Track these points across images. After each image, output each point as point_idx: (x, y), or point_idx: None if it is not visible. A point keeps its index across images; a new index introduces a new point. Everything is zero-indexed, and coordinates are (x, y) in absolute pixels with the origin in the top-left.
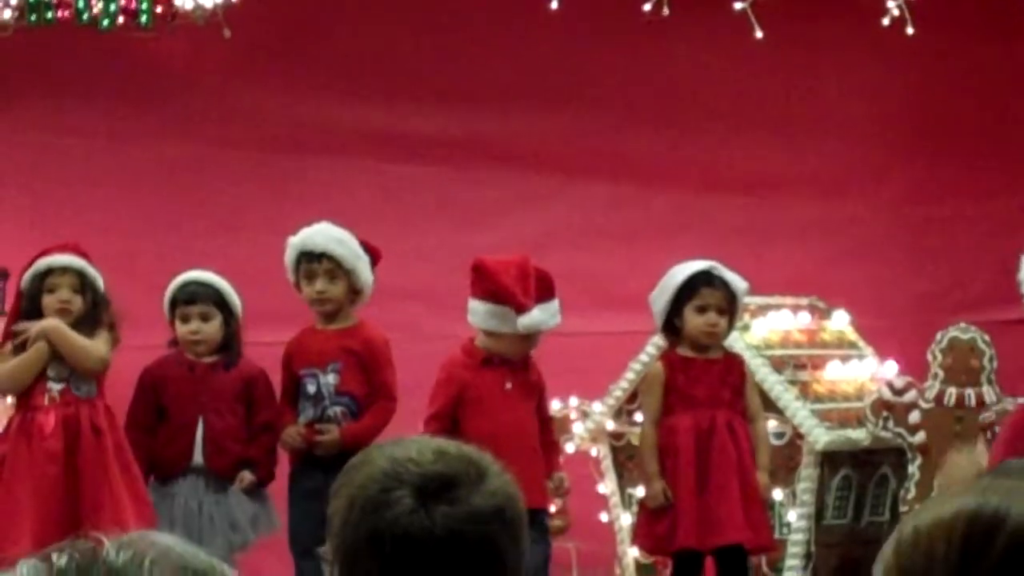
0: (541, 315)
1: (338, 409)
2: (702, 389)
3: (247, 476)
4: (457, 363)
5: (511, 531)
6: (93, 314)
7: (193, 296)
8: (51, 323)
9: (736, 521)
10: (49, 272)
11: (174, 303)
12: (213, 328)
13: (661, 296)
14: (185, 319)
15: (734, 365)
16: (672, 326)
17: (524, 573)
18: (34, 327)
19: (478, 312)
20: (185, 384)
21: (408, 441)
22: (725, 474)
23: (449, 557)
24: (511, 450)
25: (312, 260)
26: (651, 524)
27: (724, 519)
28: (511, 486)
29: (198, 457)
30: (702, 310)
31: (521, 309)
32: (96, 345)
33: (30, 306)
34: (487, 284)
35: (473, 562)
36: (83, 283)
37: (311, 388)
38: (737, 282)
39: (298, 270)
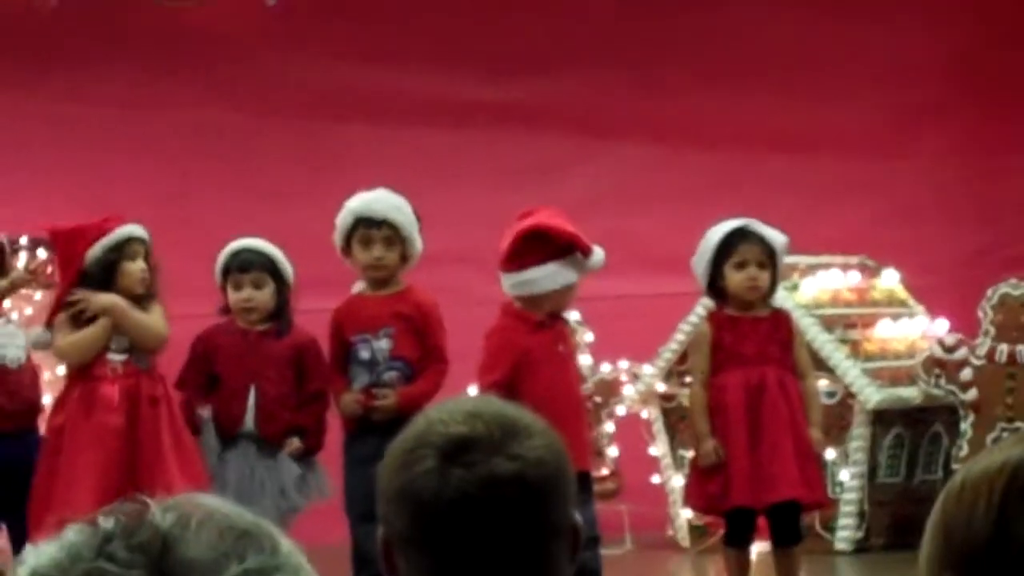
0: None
1: (393, 374)
2: (750, 346)
3: (295, 442)
4: (511, 328)
5: (537, 495)
6: (154, 285)
7: (246, 264)
8: (112, 300)
9: (790, 477)
10: (127, 241)
11: (227, 270)
12: (265, 296)
13: (701, 259)
14: (238, 286)
15: (782, 321)
16: (717, 288)
17: (563, 536)
18: (95, 300)
19: (546, 276)
20: (237, 351)
21: (447, 403)
22: (777, 431)
23: (463, 520)
24: (564, 413)
25: (371, 226)
26: (703, 483)
27: (778, 476)
28: (545, 450)
29: (250, 423)
30: (741, 266)
31: (589, 250)
32: (157, 322)
33: (104, 275)
34: (556, 241)
35: (489, 527)
36: (147, 251)
37: (364, 354)
38: (774, 236)
39: (351, 235)
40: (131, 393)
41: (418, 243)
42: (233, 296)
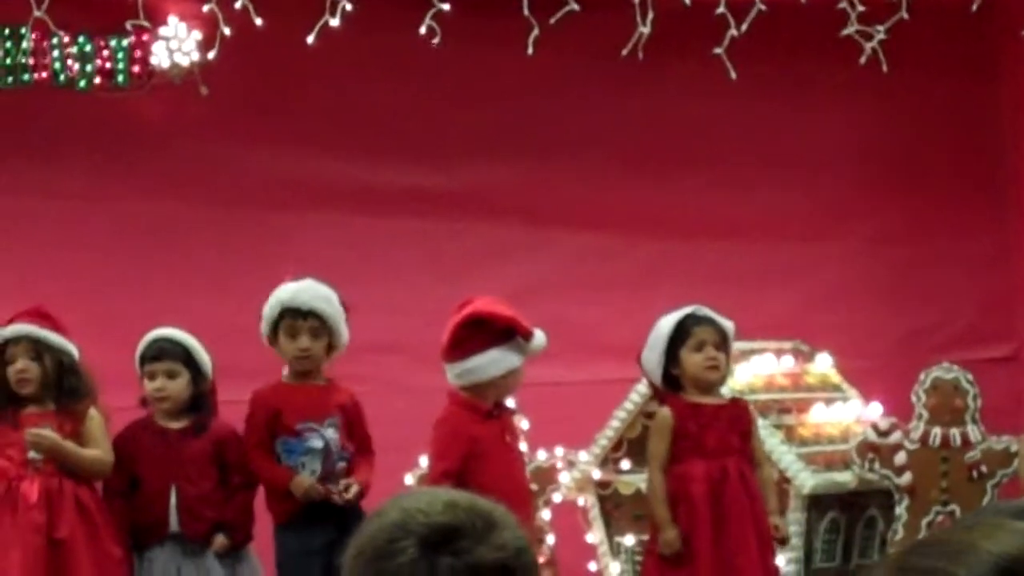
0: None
1: (343, 464)
2: (713, 437)
3: (220, 540)
4: (461, 418)
5: None
6: (64, 384)
7: (159, 353)
8: (52, 443)
9: (754, 572)
10: (6, 343)
11: (143, 360)
12: (179, 386)
13: (653, 349)
14: (151, 376)
15: (742, 411)
16: (670, 378)
17: None
18: (43, 443)
19: (490, 362)
20: (157, 452)
21: (422, 493)
22: (741, 523)
23: None
24: (514, 503)
25: (297, 317)
26: (664, 572)
27: (743, 570)
28: (521, 539)
29: (174, 524)
30: (699, 347)
31: (530, 333)
32: (97, 456)
33: None
34: (495, 327)
35: None
36: (38, 350)
37: (316, 443)
38: (724, 321)
39: (277, 325)
40: (52, 493)
41: (344, 334)
42: (148, 386)
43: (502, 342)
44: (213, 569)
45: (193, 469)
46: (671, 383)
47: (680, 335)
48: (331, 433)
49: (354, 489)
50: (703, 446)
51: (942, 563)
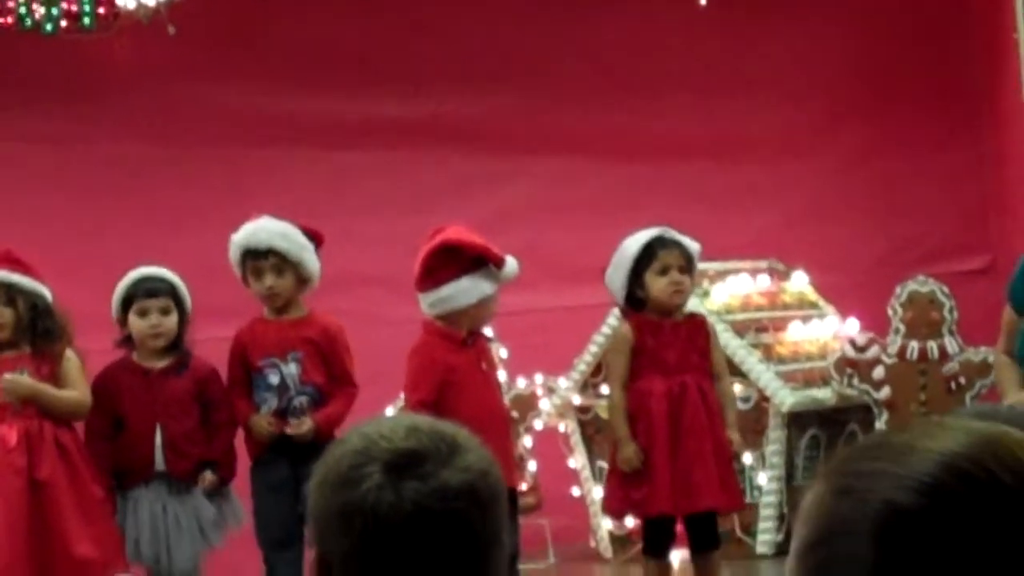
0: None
1: (303, 399)
2: (672, 353)
3: (209, 476)
4: (436, 347)
5: (484, 506)
6: (38, 326)
7: (153, 291)
8: (32, 389)
9: (711, 487)
10: None
11: (129, 299)
12: (172, 322)
13: (618, 271)
14: (143, 313)
15: (699, 326)
16: (634, 299)
17: (502, 551)
18: (19, 388)
19: (462, 291)
20: (140, 392)
21: (383, 419)
22: (699, 439)
23: (418, 533)
24: (490, 429)
25: (258, 257)
26: (624, 488)
27: (699, 485)
28: (486, 462)
29: (159, 463)
30: (664, 271)
31: (501, 260)
32: (74, 398)
33: None
34: (467, 255)
35: (443, 538)
36: (10, 295)
37: (274, 379)
38: (689, 242)
39: (244, 266)
40: (32, 435)
41: (312, 265)
42: (139, 323)
43: (474, 270)
44: (202, 507)
45: (177, 407)
46: (634, 302)
47: (646, 258)
48: (291, 368)
49: (305, 425)
50: (662, 362)
51: (881, 464)
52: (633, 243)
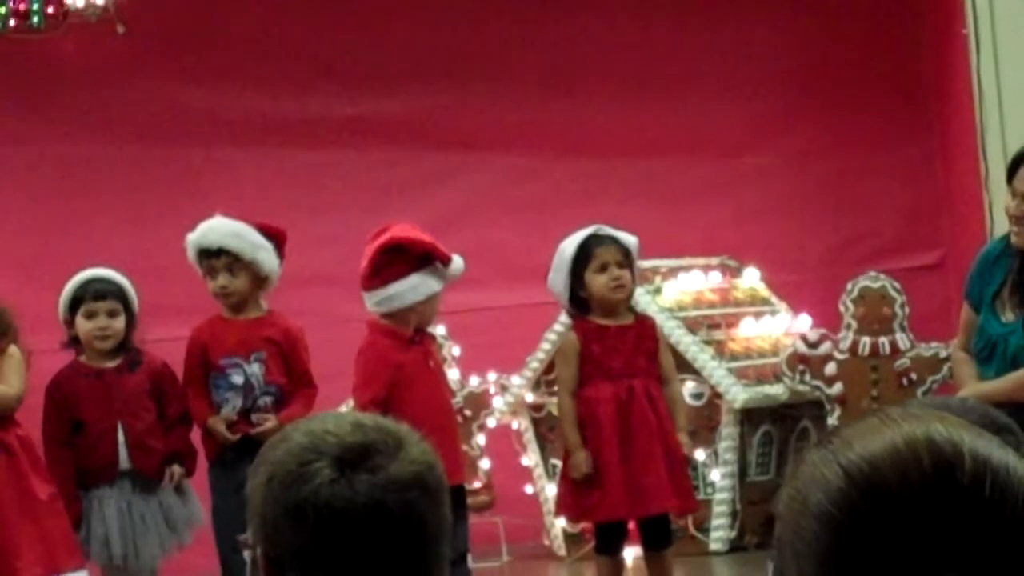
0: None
1: (268, 399)
2: (619, 358)
3: (177, 470)
4: (383, 345)
5: (432, 498)
6: None
7: (101, 293)
8: None
9: (663, 490)
10: None
11: (77, 301)
12: (120, 324)
13: (558, 273)
14: (91, 315)
15: (647, 330)
16: (578, 300)
17: (447, 541)
18: None
19: (409, 288)
20: (97, 393)
21: (324, 416)
22: (648, 442)
23: (372, 525)
24: (438, 426)
25: (211, 256)
26: (577, 495)
27: (651, 488)
28: (429, 454)
29: (124, 461)
30: (603, 268)
31: (448, 258)
32: (6, 390)
33: None
34: (413, 253)
35: (396, 530)
36: None
37: (237, 379)
38: (627, 237)
39: (201, 265)
40: None
41: (267, 264)
42: (86, 325)
43: (421, 267)
44: (171, 502)
45: (136, 404)
46: (580, 304)
47: (583, 257)
48: (255, 368)
49: (267, 424)
50: (608, 368)
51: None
52: (569, 244)
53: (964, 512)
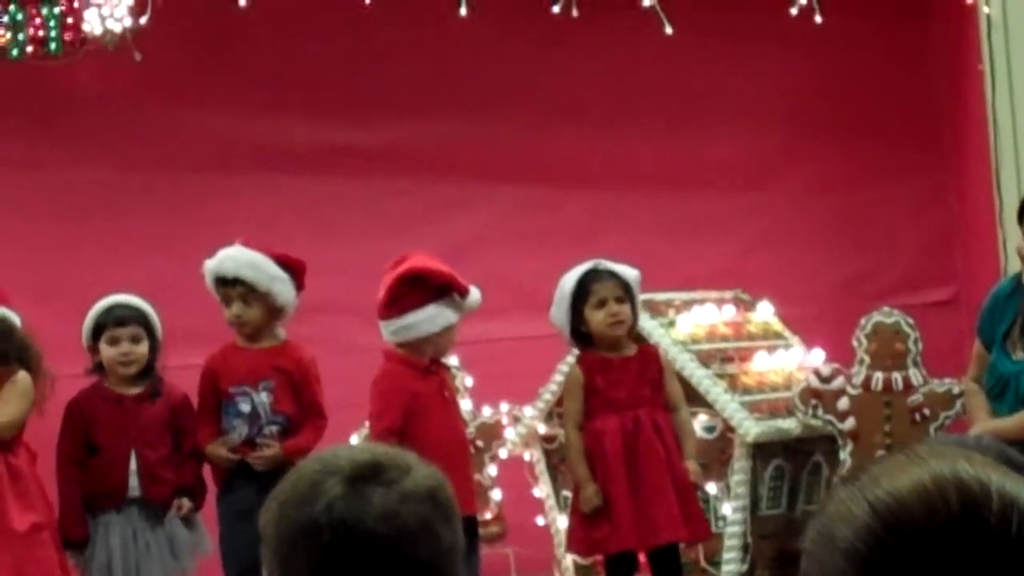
0: (471, 297)
1: (274, 428)
2: (623, 390)
3: (186, 503)
4: (399, 375)
5: (446, 514)
6: None
7: (123, 319)
8: None
9: (673, 520)
10: None
11: (100, 327)
12: (143, 350)
13: (559, 308)
14: (114, 342)
15: (650, 359)
16: (580, 335)
17: (462, 563)
18: None
19: (426, 319)
20: (114, 418)
21: (337, 447)
22: (657, 473)
23: (387, 539)
24: (452, 457)
25: (226, 285)
26: (587, 528)
27: (660, 518)
28: (438, 474)
29: (134, 489)
30: (601, 304)
31: (466, 289)
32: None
33: None
34: (432, 283)
35: (411, 543)
36: None
37: (244, 407)
38: (626, 271)
39: (218, 292)
40: None
41: (283, 296)
42: (110, 351)
43: (439, 298)
44: (177, 533)
45: (151, 434)
46: (581, 338)
47: (582, 293)
48: (263, 397)
49: (269, 451)
50: (614, 400)
51: (838, 507)
52: (568, 280)
53: (990, 551)
